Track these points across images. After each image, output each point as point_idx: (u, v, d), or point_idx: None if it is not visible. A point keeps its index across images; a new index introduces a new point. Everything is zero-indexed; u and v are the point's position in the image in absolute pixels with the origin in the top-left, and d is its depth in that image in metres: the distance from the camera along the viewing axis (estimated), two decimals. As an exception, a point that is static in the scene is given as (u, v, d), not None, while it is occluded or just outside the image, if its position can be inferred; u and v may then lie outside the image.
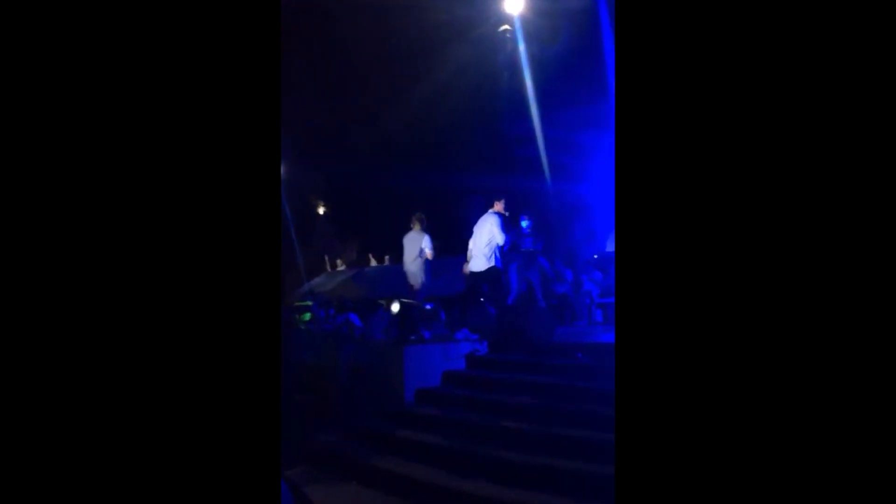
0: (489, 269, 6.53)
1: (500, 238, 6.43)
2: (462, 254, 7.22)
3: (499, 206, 6.62)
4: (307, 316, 9.16)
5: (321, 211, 17.86)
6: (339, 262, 13.79)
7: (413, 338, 6.12)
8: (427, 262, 7.07)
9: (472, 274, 6.65)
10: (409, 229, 7.27)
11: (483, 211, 6.84)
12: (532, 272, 7.25)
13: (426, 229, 7.18)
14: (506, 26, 7.83)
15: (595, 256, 9.28)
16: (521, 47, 8.00)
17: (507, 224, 6.53)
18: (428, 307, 6.96)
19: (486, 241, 6.47)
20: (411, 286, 7.17)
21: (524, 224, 7.24)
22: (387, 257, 12.06)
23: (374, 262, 12.84)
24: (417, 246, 7.11)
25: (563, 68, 8.12)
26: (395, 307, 6.41)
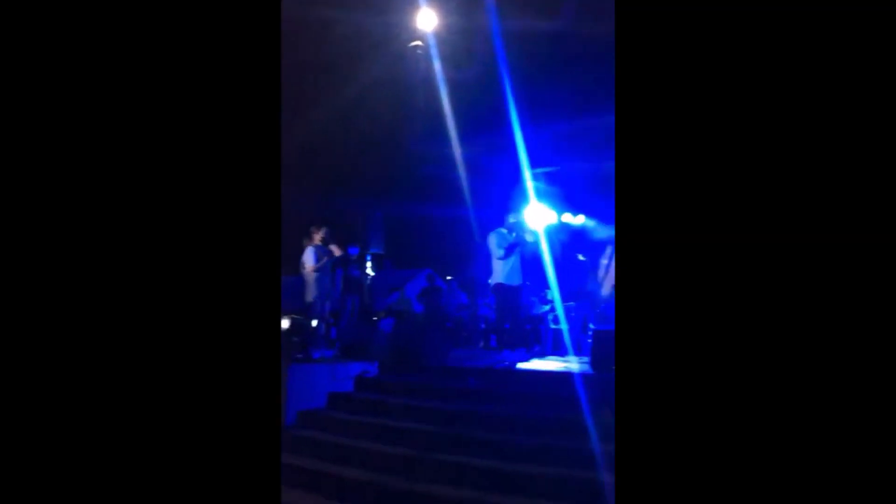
0: (493, 286, 6.18)
1: (495, 253, 6.03)
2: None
3: (513, 219, 6.22)
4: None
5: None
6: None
7: (300, 356, 5.91)
8: (319, 277, 6.86)
9: None
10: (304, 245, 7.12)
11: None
12: (352, 297, 7.19)
13: (321, 240, 7.00)
14: (417, 42, 7.84)
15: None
16: (437, 66, 8.04)
17: (506, 237, 6.03)
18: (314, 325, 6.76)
19: (493, 256, 6.10)
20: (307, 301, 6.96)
21: (351, 252, 7.28)
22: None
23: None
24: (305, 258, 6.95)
25: (477, 89, 8.24)
26: (285, 323, 6.18)
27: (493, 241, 6.08)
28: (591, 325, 7.58)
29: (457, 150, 8.68)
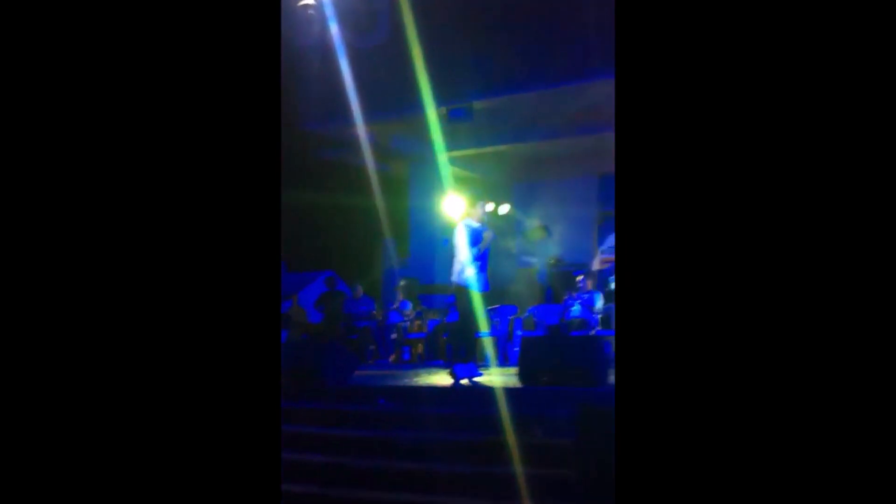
0: (455, 288, 5.81)
1: (468, 251, 5.62)
2: None
3: (472, 211, 5.78)
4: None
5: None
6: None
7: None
8: None
9: None
10: None
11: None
12: None
13: None
14: (308, 1, 7.49)
15: (402, 283, 9.35)
16: (334, 30, 7.70)
17: (478, 235, 5.64)
18: None
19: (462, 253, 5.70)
20: None
21: None
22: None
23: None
24: None
25: (384, 60, 7.99)
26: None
27: (463, 235, 5.67)
28: (519, 332, 7.63)
29: (361, 130, 8.44)
